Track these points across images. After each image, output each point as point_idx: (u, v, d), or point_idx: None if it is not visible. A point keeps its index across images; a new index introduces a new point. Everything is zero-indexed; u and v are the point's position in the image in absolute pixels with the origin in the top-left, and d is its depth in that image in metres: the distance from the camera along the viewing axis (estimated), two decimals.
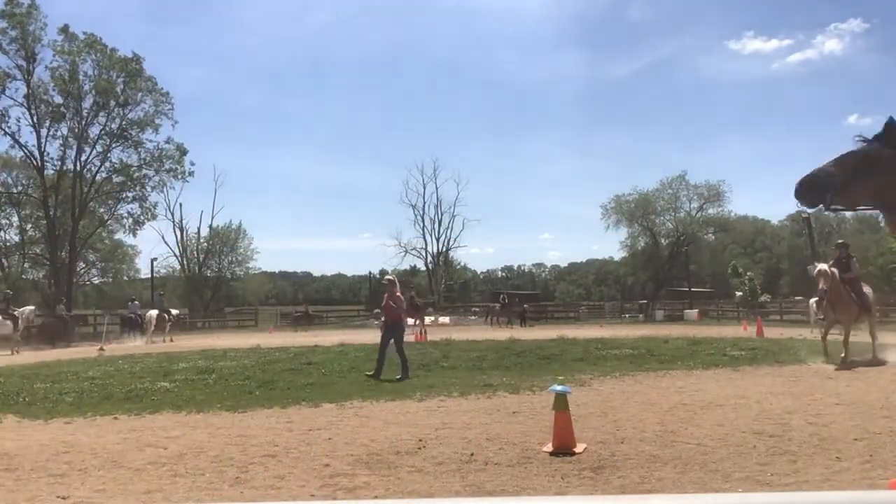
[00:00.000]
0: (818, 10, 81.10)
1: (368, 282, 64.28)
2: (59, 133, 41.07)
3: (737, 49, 79.00)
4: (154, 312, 26.53)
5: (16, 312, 22.14)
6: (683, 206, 50.87)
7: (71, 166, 41.39)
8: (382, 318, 12.14)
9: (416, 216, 54.90)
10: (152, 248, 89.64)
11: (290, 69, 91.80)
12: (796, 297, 40.35)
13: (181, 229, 51.07)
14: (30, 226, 46.24)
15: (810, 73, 77.71)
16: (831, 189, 3.77)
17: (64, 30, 39.62)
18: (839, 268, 12.17)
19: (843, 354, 11.35)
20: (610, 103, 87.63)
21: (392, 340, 11.27)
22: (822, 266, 12.01)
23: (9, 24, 37.46)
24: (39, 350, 22.07)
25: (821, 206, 3.66)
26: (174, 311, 29.11)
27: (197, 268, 51.85)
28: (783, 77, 79.06)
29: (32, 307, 23.95)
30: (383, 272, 65.81)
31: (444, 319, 38.31)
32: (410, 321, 32.30)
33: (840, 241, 14.18)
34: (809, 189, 3.90)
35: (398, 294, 11.70)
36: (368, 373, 10.95)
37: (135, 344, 24.63)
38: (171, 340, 25.43)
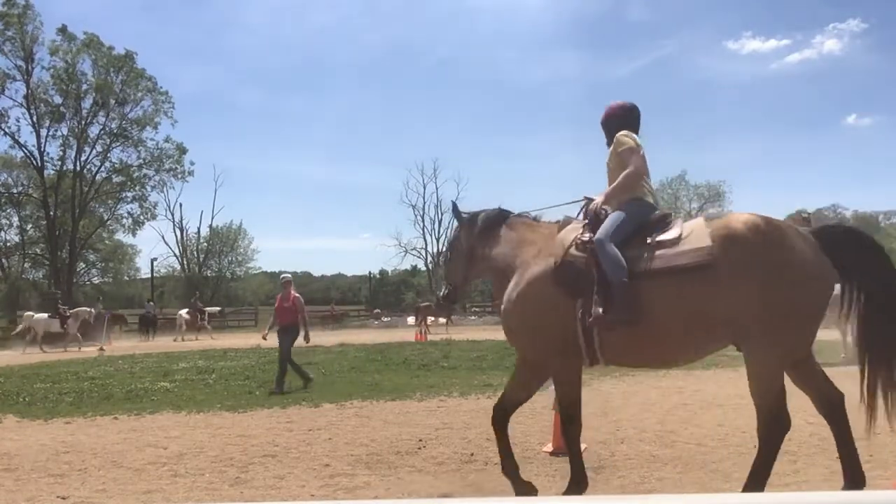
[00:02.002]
0: (817, 10, 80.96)
1: (368, 282, 64.22)
2: (58, 133, 41.16)
3: (735, 49, 78.91)
4: (184, 312, 27.88)
5: (68, 312, 22.90)
6: (683, 206, 50.88)
7: (71, 166, 41.46)
8: (270, 325, 11.00)
9: (416, 216, 54.81)
10: (152, 248, 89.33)
11: (290, 69, 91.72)
12: None
13: (181, 229, 51.19)
14: (30, 226, 46.23)
15: (809, 73, 77.61)
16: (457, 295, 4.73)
17: (62, 30, 39.67)
18: None
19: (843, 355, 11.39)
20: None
21: (286, 347, 10.04)
22: None
23: (5, 25, 37.45)
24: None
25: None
26: (209, 310, 30.08)
27: (197, 268, 51.85)
28: (782, 77, 78.97)
29: (88, 308, 24.22)
30: (383, 272, 65.96)
31: (444, 319, 38.27)
32: (411, 320, 32.22)
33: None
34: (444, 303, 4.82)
35: (294, 295, 10.53)
36: (274, 388, 9.68)
37: (151, 342, 25.31)
38: (198, 339, 26.07)
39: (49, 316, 22.86)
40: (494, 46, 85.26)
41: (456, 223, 5.04)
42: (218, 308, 33.88)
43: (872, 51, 75.76)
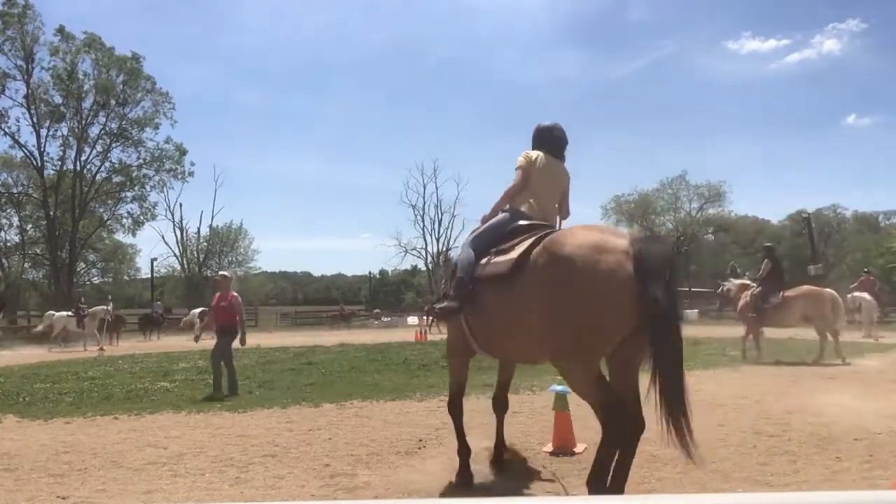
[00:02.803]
0: (816, 10, 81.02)
1: (368, 282, 64.28)
2: (59, 133, 41.19)
3: (734, 49, 78.90)
4: (197, 311, 28.29)
5: (87, 311, 23.12)
6: (683, 206, 51.03)
7: (71, 166, 41.50)
8: (203, 326, 10.39)
9: (416, 216, 54.91)
10: (152, 248, 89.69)
11: (290, 69, 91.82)
12: None
13: (181, 229, 51.22)
14: (30, 226, 46.29)
15: (809, 73, 77.67)
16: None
17: (60, 30, 39.69)
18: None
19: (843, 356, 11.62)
20: (609, 103, 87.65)
21: (223, 348, 9.66)
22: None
23: (5, 25, 37.47)
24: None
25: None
26: None
27: (197, 268, 51.87)
28: (782, 77, 79.05)
29: (105, 307, 24.25)
30: (383, 272, 65.98)
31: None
32: (411, 320, 32.27)
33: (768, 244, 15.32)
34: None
35: (232, 294, 9.85)
36: (216, 392, 9.31)
37: (158, 342, 25.78)
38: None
39: (68, 314, 23.14)
40: (494, 46, 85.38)
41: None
42: None
43: (872, 51, 75.88)
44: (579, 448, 5.63)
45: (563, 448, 5.62)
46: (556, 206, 4.89)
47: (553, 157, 4.87)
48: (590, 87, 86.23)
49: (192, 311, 28.94)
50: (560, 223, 4.88)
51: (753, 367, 11.58)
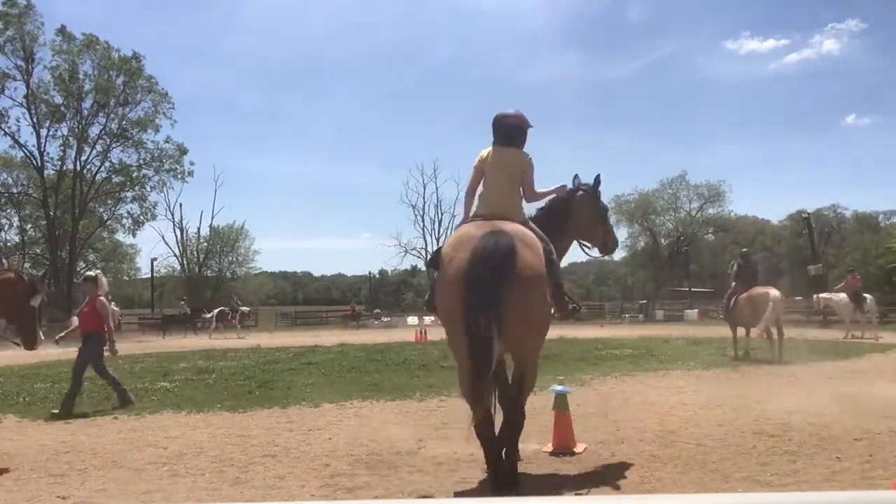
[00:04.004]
0: (815, 10, 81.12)
1: (368, 282, 64.22)
2: (59, 133, 41.16)
3: (734, 49, 78.96)
4: (216, 311, 29.25)
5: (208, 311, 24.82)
6: (683, 206, 50.95)
7: (71, 166, 41.48)
8: (68, 329, 9.22)
9: (416, 216, 54.80)
10: (152, 248, 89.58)
11: (290, 69, 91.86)
12: (796, 297, 40.34)
13: (181, 229, 51.14)
14: (30, 226, 46.29)
15: (808, 73, 77.76)
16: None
17: (62, 30, 39.68)
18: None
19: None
20: (609, 103, 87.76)
21: (89, 360, 8.61)
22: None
23: (5, 25, 37.46)
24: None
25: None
26: (243, 309, 31.30)
27: (197, 268, 51.85)
28: (781, 77, 79.15)
29: (117, 308, 24.24)
30: (383, 272, 65.98)
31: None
32: (411, 320, 32.47)
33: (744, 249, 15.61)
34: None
35: (100, 297, 8.80)
36: (55, 410, 8.12)
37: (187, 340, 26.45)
38: (242, 338, 26.50)
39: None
40: (494, 47, 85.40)
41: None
42: (248, 308, 34.80)
43: (871, 51, 75.91)
44: (579, 448, 5.63)
45: (563, 448, 5.61)
46: (512, 194, 4.84)
47: (504, 147, 4.85)
48: (590, 87, 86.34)
49: (215, 311, 29.84)
50: (519, 209, 4.91)
51: (752, 367, 11.59)
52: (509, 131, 4.89)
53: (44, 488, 4.95)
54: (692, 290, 48.79)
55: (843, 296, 19.23)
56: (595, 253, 5.91)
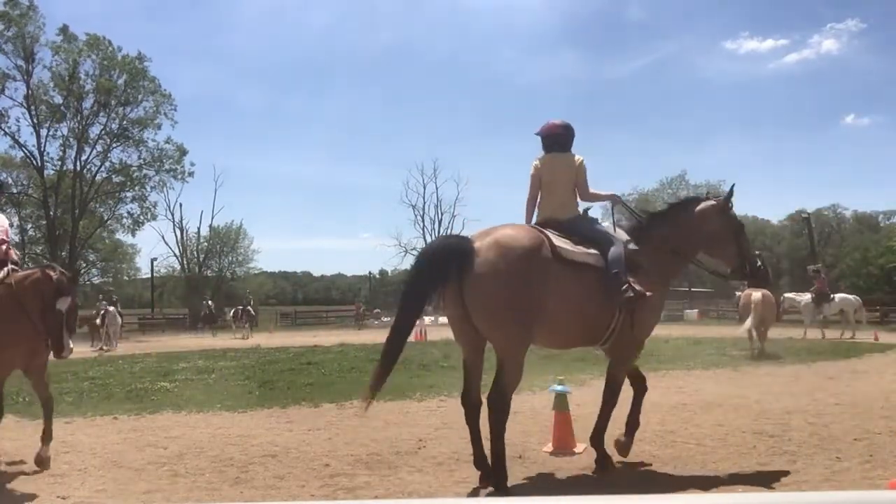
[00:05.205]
0: (815, 10, 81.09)
1: (368, 282, 64.26)
2: (59, 133, 41.10)
3: (733, 49, 78.99)
4: (231, 310, 30.56)
5: (105, 310, 22.88)
6: None
7: (71, 166, 41.40)
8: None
9: (416, 216, 54.70)
10: (152, 248, 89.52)
11: (290, 69, 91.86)
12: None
13: (181, 229, 51.05)
14: (30, 226, 46.24)
15: (807, 73, 77.75)
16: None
17: (63, 30, 39.63)
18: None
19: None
20: (609, 103, 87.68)
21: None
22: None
23: (6, 26, 37.43)
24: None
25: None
26: (249, 308, 31.49)
27: (197, 268, 51.83)
28: (781, 77, 79.14)
29: (112, 309, 23.54)
30: (383, 272, 65.94)
31: (444, 319, 38.33)
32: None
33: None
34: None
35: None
36: None
37: (214, 339, 26.50)
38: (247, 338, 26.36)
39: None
40: (494, 46, 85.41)
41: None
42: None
43: (870, 51, 75.89)
44: (579, 448, 5.63)
45: (563, 448, 5.62)
46: (567, 196, 5.17)
47: (554, 154, 5.19)
48: (590, 87, 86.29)
49: (234, 310, 30.72)
50: (573, 209, 5.23)
51: (752, 367, 11.61)
52: (556, 140, 5.22)
53: (44, 488, 4.95)
54: (692, 290, 48.72)
55: (807, 296, 19.57)
56: (734, 277, 5.63)
